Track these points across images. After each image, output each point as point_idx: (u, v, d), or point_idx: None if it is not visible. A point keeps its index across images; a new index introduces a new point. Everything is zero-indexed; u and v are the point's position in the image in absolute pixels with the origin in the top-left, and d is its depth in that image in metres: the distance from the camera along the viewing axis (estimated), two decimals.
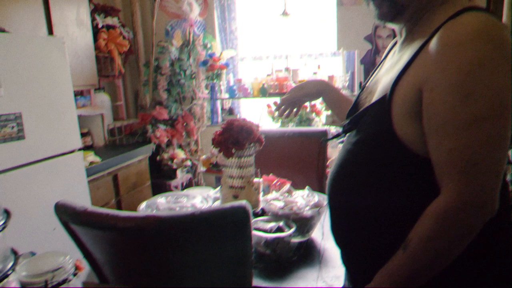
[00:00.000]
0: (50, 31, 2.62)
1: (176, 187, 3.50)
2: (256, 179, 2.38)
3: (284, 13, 3.51)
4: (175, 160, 3.49)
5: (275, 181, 2.26)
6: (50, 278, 0.82)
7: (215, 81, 3.53)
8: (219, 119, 3.69)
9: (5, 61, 1.78)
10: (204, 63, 3.48)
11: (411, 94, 0.80)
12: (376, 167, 0.86)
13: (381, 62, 1.10)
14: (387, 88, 0.86)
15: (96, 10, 3.33)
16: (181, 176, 3.55)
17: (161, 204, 2.05)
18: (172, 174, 3.46)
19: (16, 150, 1.79)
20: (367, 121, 0.90)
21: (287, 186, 2.04)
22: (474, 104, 0.71)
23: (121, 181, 2.87)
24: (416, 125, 0.80)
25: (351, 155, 0.93)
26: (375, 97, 0.92)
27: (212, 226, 1.13)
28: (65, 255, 0.88)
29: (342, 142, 1.07)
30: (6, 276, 0.71)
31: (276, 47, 3.74)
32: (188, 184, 3.67)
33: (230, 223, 1.18)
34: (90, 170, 2.44)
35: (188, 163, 3.57)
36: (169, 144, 3.54)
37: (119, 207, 2.82)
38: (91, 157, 2.58)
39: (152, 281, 1.16)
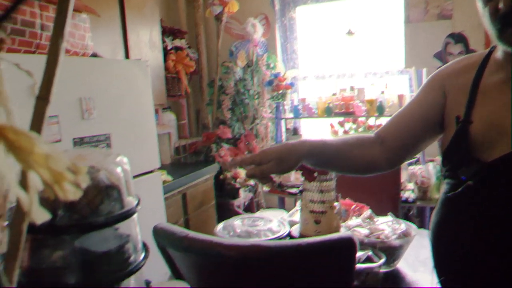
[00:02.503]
0: (127, 54, 2.73)
1: (239, 207, 3.49)
2: (335, 204, 2.31)
3: (349, 32, 3.47)
4: (238, 179, 3.49)
5: (353, 206, 2.18)
6: None
7: (280, 100, 3.53)
8: (283, 139, 3.67)
9: (98, 84, 1.86)
10: (270, 83, 3.48)
11: None
12: None
13: (475, 90, 0.95)
14: None
15: (165, 32, 3.44)
16: (244, 195, 3.54)
17: (238, 227, 2.03)
18: (235, 194, 3.46)
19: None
20: None
21: (368, 212, 1.96)
22: None
23: (189, 200, 2.90)
24: None
25: None
26: None
27: (318, 257, 1.09)
28: (185, 284, 0.86)
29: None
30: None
31: (340, 65, 3.69)
32: (250, 204, 3.65)
33: (336, 255, 1.14)
34: (164, 189, 2.48)
35: (251, 182, 3.56)
36: None
37: (187, 226, 2.84)
38: (164, 176, 2.62)
39: None
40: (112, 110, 1.94)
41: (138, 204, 0.72)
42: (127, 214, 0.68)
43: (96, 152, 0.75)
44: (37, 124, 0.52)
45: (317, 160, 1.10)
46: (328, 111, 3.32)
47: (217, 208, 3.33)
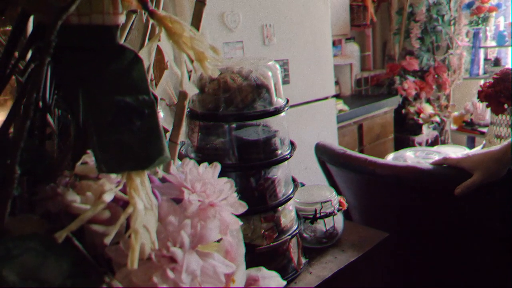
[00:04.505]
0: None
1: (420, 144, 3.31)
2: None
3: None
4: (421, 115, 3.28)
5: None
6: (319, 209, 0.89)
7: (480, 26, 3.05)
8: (480, 71, 3.21)
9: (278, 12, 2.00)
10: (469, 5, 3.03)
11: None
12: None
13: None
14: None
15: None
16: (427, 132, 3.33)
17: (410, 158, 1.97)
18: (417, 130, 3.28)
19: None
20: None
21: None
22: None
23: (366, 131, 2.90)
24: None
25: None
26: None
27: (484, 188, 1.01)
28: (332, 190, 0.94)
29: None
30: (288, 199, 0.81)
31: None
32: (434, 142, 3.41)
33: (506, 185, 1.03)
34: (339, 118, 2.55)
35: (436, 119, 3.30)
36: (416, 97, 3.34)
37: None
38: (340, 105, 2.68)
39: (398, 231, 1.14)
40: (290, 37, 2.06)
41: (286, 105, 0.81)
42: (275, 111, 0.78)
43: (254, 58, 0.86)
44: (196, 21, 0.65)
45: None
46: None
47: (395, 143, 3.24)
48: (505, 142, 0.98)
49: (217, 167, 0.58)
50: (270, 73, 0.81)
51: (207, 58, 0.54)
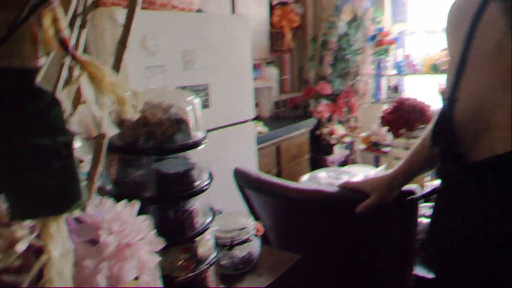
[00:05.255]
0: (233, 8, 2.87)
1: (333, 163, 3.54)
2: None
3: None
4: (334, 136, 3.51)
5: None
6: (236, 235, 0.94)
7: (382, 56, 3.39)
8: (383, 97, 3.55)
9: (200, 38, 2.04)
10: (372, 38, 3.36)
11: None
12: None
13: (464, 58, 0.72)
14: None
15: None
16: (339, 152, 3.57)
17: (322, 179, 2.10)
18: (330, 149, 3.51)
19: (202, 117, 2.06)
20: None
21: None
22: None
23: (283, 152, 3.04)
24: None
25: None
26: (504, 131, 0.64)
27: (379, 207, 1.13)
28: (249, 216, 0.99)
29: None
30: (206, 229, 0.84)
31: None
32: (345, 161, 3.67)
33: (398, 206, 1.16)
34: (258, 139, 2.65)
35: (347, 139, 3.56)
36: (329, 119, 3.58)
37: (279, 176, 3.00)
38: (260, 127, 2.79)
39: (311, 251, 1.23)
40: (212, 62, 2.12)
41: (204, 138, 0.85)
42: (194, 145, 0.82)
43: (175, 91, 0.89)
44: (117, 63, 0.67)
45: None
46: (435, 68, 3.11)
47: (311, 163, 3.43)
48: (395, 167, 1.12)
49: (136, 205, 0.59)
50: (189, 108, 0.84)
51: (127, 102, 0.57)
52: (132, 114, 0.56)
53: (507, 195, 0.62)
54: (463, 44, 0.71)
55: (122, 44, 0.66)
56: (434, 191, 0.86)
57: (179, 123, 0.82)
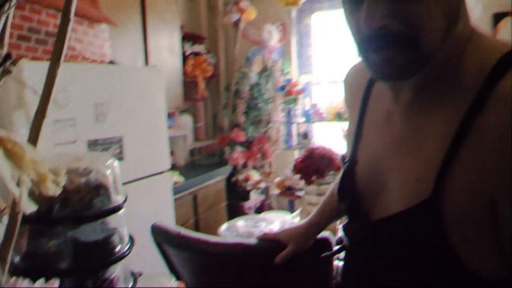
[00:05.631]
0: (146, 59, 2.88)
1: (250, 208, 3.59)
2: None
3: None
4: (249, 182, 3.60)
5: None
6: None
7: (292, 105, 3.62)
8: (294, 143, 3.76)
9: (113, 90, 2.01)
10: (282, 88, 3.58)
11: (477, 202, 0.57)
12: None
13: (360, 124, 0.79)
14: (424, 183, 0.61)
15: (185, 37, 3.59)
16: (255, 197, 3.65)
17: (241, 227, 2.13)
18: (246, 196, 3.57)
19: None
20: (405, 227, 0.65)
21: None
22: None
23: (200, 201, 3.02)
24: (483, 242, 0.59)
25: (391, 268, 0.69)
26: (396, 192, 0.67)
27: (297, 256, 1.18)
28: (170, 277, 0.98)
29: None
30: None
31: None
32: (261, 206, 3.75)
33: (314, 254, 1.22)
34: (175, 189, 2.61)
35: (262, 185, 3.67)
36: (244, 165, 3.67)
37: (197, 226, 2.97)
38: (176, 176, 2.76)
39: None
40: (126, 114, 2.09)
41: (124, 201, 0.83)
42: (113, 210, 0.80)
43: (92, 155, 0.87)
44: (34, 135, 0.64)
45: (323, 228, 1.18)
46: (339, 116, 3.39)
47: (228, 210, 3.45)
48: (309, 216, 1.20)
49: (55, 283, 0.56)
50: (108, 171, 0.83)
51: (48, 179, 0.55)
52: (53, 191, 0.54)
53: (402, 252, 0.66)
54: (359, 113, 0.79)
55: (40, 115, 0.63)
56: (343, 247, 0.93)
57: (98, 189, 0.80)
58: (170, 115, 3.39)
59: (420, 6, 0.55)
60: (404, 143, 0.67)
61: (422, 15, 0.55)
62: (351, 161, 0.77)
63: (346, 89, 0.91)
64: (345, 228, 0.77)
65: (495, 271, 0.60)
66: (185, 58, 3.48)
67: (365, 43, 0.60)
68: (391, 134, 0.70)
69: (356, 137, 0.78)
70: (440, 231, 0.59)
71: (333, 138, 3.48)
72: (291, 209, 3.55)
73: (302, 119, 3.70)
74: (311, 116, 3.58)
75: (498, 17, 2.98)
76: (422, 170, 0.63)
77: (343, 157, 0.81)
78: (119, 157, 2.04)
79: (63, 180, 0.56)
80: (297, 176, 2.22)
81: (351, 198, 0.76)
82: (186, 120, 3.62)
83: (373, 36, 0.57)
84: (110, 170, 0.83)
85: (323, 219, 1.16)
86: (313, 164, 2.04)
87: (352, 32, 0.63)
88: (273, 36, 3.72)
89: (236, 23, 3.77)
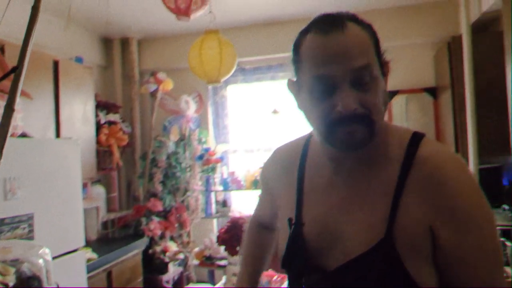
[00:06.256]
0: (58, 130, 2.76)
1: (168, 282, 3.43)
2: None
3: (275, 111, 3.79)
4: (167, 253, 3.46)
5: (275, 277, 2.29)
6: None
7: (210, 173, 3.66)
8: (213, 211, 3.75)
9: (24, 164, 1.88)
10: (201, 157, 3.63)
11: (423, 232, 0.77)
12: None
13: (300, 192, 0.91)
14: (377, 228, 0.78)
15: (99, 106, 3.53)
16: (173, 270, 3.50)
17: None
18: (164, 268, 3.41)
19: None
20: (367, 265, 0.78)
21: None
22: (495, 235, 0.77)
23: (115, 278, 2.82)
24: (427, 262, 0.77)
25: None
26: (351, 241, 0.80)
27: None
28: None
29: None
30: None
31: (267, 140, 3.95)
32: (180, 279, 3.60)
33: None
34: (88, 267, 2.42)
35: (181, 256, 3.55)
36: (162, 236, 3.54)
37: None
38: (89, 253, 2.57)
39: None
40: (38, 189, 1.95)
41: None
42: None
43: (20, 244, 0.82)
44: None
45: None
46: (256, 184, 3.51)
47: (144, 284, 3.25)
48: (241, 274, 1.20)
49: None
50: (41, 261, 0.78)
51: None
52: None
53: None
54: (297, 183, 0.92)
55: None
56: None
57: (31, 281, 0.75)
58: (83, 186, 3.21)
59: (373, 95, 0.77)
60: (351, 202, 0.84)
61: (375, 102, 0.77)
62: (298, 224, 0.87)
63: (273, 168, 1.03)
64: (302, 281, 0.84)
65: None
66: (99, 127, 3.40)
67: (336, 122, 0.77)
68: (337, 196, 0.85)
69: (298, 203, 0.90)
70: (398, 261, 0.76)
71: (251, 206, 3.55)
72: (212, 280, 3.47)
73: (220, 187, 3.75)
74: (229, 184, 3.65)
75: (390, 95, 3.45)
76: (373, 219, 0.80)
77: (290, 221, 0.88)
78: (29, 236, 1.86)
79: (12, 281, 0.55)
80: (222, 247, 2.22)
81: (302, 257, 0.85)
82: (99, 190, 3.45)
83: (346, 116, 0.76)
84: (42, 259, 0.80)
85: (258, 267, 1.18)
86: (237, 235, 2.08)
87: (314, 115, 0.81)
88: (190, 106, 3.82)
89: (153, 94, 3.83)
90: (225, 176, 3.76)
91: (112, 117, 3.57)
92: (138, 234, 3.41)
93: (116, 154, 3.50)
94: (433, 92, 3.50)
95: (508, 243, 2.14)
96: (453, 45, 3.00)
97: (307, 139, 0.97)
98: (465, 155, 2.77)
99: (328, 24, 0.78)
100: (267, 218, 1.14)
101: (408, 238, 0.77)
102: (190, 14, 2.08)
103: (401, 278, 0.76)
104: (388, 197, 0.79)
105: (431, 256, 0.78)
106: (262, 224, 1.18)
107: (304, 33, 0.81)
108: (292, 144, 1.01)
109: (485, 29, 3.08)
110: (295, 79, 0.85)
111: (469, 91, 2.66)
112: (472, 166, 2.68)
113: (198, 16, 2.21)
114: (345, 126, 0.76)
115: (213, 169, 3.65)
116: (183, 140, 3.78)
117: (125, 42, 4.01)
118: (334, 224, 0.83)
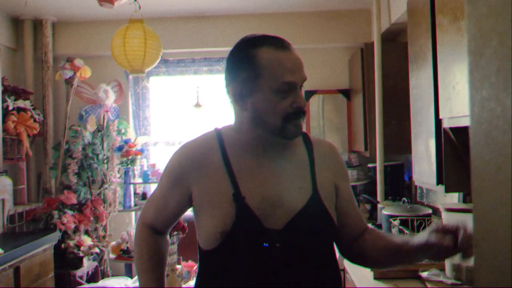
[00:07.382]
0: None
1: (81, 277, 3.29)
2: (178, 266, 2.42)
3: (197, 105, 3.81)
4: (82, 248, 3.33)
5: (195, 267, 2.34)
6: None
7: (129, 166, 3.58)
8: (132, 204, 3.67)
9: None
10: (120, 148, 3.53)
11: (332, 188, 1.16)
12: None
13: (231, 174, 1.09)
14: (306, 189, 1.11)
15: (7, 91, 3.26)
16: (88, 264, 3.37)
17: None
18: (78, 263, 3.27)
19: None
20: (308, 215, 1.07)
21: None
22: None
23: (23, 274, 2.65)
24: (334, 208, 1.16)
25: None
26: (290, 202, 1.07)
27: None
28: None
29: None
30: None
31: (189, 133, 3.96)
32: (94, 273, 3.48)
33: None
34: None
35: (96, 250, 3.43)
36: (76, 230, 3.39)
37: None
38: None
39: None
40: None
41: None
42: None
43: None
44: None
45: None
46: None
47: (56, 281, 3.09)
48: None
49: None
50: None
51: None
52: None
53: (310, 231, 1.10)
54: (226, 168, 1.11)
55: None
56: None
57: None
58: None
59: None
60: (281, 174, 1.11)
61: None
62: (240, 197, 1.06)
63: (188, 162, 1.14)
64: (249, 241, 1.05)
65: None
66: (6, 113, 3.14)
67: (290, 116, 1.06)
68: (267, 171, 1.11)
69: (234, 181, 1.08)
70: (324, 209, 1.11)
71: None
72: (129, 273, 3.41)
73: (140, 180, 3.68)
74: (149, 176, 3.60)
75: (308, 94, 3.66)
76: (301, 183, 1.12)
77: (234, 196, 1.06)
78: None
79: None
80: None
81: (255, 221, 1.04)
82: (5, 182, 3.19)
83: (297, 112, 1.07)
84: None
85: (162, 276, 1.24)
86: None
87: (274, 111, 1.06)
88: (109, 96, 3.68)
89: (69, 81, 3.62)
90: (145, 168, 3.70)
91: (22, 103, 3.32)
92: (49, 228, 3.23)
93: (26, 143, 3.27)
94: (347, 93, 3.77)
95: (406, 231, 2.41)
96: (366, 51, 3.20)
97: (218, 134, 1.16)
98: (373, 153, 3.03)
99: (280, 42, 1.07)
100: (161, 222, 1.20)
101: (326, 192, 1.13)
102: (114, 1, 2.03)
103: (328, 221, 1.11)
104: (306, 167, 1.14)
105: (335, 203, 1.15)
106: (156, 230, 1.22)
107: (254, 47, 1.06)
108: (201, 140, 1.18)
109: (394, 38, 3.38)
110: (243, 84, 1.08)
111: (378, 95, 2.91)
112: (378, 162, 2.95)
113: (123, 3, 2.17)
114: (295, 120, 1.07)
115: (133, 161, 3.56)
116: (100, 130, 3.64)
117: (38, 24, 3.74)
118: (272, 192, 1.08)
